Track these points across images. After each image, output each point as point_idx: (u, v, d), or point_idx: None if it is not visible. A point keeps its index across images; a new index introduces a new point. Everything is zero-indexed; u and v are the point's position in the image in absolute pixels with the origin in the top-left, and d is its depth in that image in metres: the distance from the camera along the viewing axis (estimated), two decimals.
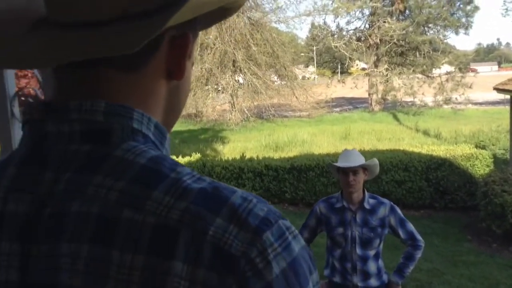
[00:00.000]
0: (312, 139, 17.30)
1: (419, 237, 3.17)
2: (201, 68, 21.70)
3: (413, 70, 27.92)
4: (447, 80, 27.51)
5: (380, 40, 27.93)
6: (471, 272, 6.08)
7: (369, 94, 29.36)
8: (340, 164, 3.12)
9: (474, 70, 34.08)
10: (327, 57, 52.35)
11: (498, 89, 10.91)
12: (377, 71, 28.09)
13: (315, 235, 3.29)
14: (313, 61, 52.73)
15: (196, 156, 10.26)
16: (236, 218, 0.51)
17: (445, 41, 28.68)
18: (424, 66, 27.80)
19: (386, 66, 27.96)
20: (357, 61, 32.21)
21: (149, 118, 0.60)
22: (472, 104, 27.18)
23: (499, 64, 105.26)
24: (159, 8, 0.54)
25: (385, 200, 3.17)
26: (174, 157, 6.62)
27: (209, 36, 21.68)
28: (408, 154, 9.02)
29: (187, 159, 9.71)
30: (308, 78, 48.88)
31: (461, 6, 28.55)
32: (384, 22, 27.39)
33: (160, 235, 0.50)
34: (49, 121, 0.57)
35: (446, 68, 29.25)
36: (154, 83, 0.61)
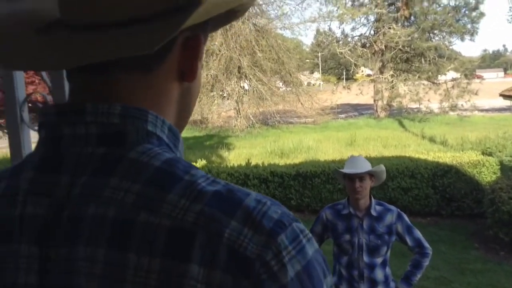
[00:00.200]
0: (317, 145, 17.26)
1: (426, 244, 3.15)
2: (207, 75, 21.74)
3: (419, 77, 27.86)
4: (452, 87, 27.45)
5: (385, 46, 27.91)
6: (479, 280, 6.03)
7: (374, 101, 29.31)
8: (346, 170, 3.11)
9: (480, 77, 34.01)
10: (332, 63, 52.43)
11: (504, 96, 10.89)
12: (382, 77, 28.07)
13: (321, 242, 3.27)
14: (318, 67, 52.80)
15: (201, 162, 10.27)
16: (251, 221, 0.51)
17: (450, 47, 28.64)
18: (430, 73, 27.73)
19: (391, 72, 27.92)
20: (362, 68, 32.21)
21: (163, 120, 0.60)
22: (478, 110, 27.08)
23: (505, 70, 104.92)
24: (175, 10, 0.54)
25: (392, 207, 3.15)
26: None
27: (214, 42, 21.74)
28: (414, 160, 8.98)
29: None
30: (313, 85, 48.93)
31: (467, 12, 28.52)
32: (389, 28, 27.38)
33: (176, 238, 0.50)
34: (65, 124, 0.57)
35: (451, 74, 29.19)
36: (167, 84, 0.61)
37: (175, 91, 0.63)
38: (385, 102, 28.58)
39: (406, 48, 27.46)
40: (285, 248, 0.51)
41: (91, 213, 0.52)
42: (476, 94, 26.24)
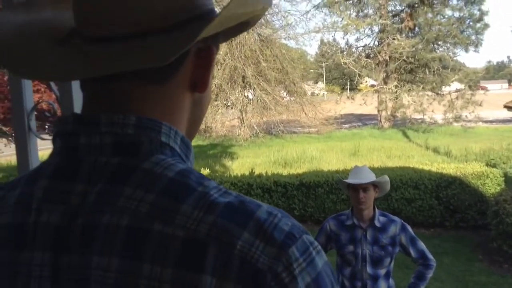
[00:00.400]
0: (321, 155, 17.23)
1: (430, 256, 3.13)
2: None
3: (423, 87, 27.85)
4: (457, 98, 27.42)
5: (390, 57, 27.96)
6: None
7: (378, 111, 29.30)
8: (350, 180, 3.11)
9: (484, 88, 34.02)
10: (336, 73, 52.48)
11: (508, 107, 10.86)
12: (386, 88, 28.07)
13: (325, 252, 3.25)
14: (322, 77, 52.86)
15: (205, 171, 10.27)
16: (262, 233, 0.52)
17: (455, 58, 28.68)
18: (434, 84, 27.72)
19: (395, 83, 27.94)
20: (366, 78, 32.24)
21: (176, 131, 0.61)
22: (482, 122, 27.03)
23: (509, 82, 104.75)
24: (190, 22, 0.56)
25: (396, 218, 3.14)
26: None
27: (219, 52, 21.74)
28: (418, 171, 8.95)
29: None
30: (317, 94, 48.92)
31: (471, 23, 28.55)
32: (394, 39, 27.43)
33: (189, 249, 0.51)
34: (81, 133, 0.58)
35: (455, 85, 29.18)
36: (180, 95, 0.62)
37: (187, 101, 0.63)
38: (389, 113, 28.56)
39: (410, 58, 27.49)
40: (295, 260, 0.52)
41: (105, 221, 0.53)
42: (480, 105, 26.20)
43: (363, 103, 29.31)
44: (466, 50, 28.91)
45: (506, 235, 6.75)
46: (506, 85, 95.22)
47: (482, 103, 26.33)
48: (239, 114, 24.03)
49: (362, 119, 34.58)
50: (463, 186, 8.42)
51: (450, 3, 28.46)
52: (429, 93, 28.17)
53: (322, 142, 21.93)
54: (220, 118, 23.94)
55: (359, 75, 29.10)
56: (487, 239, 7.53)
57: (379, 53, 28.46)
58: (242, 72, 22.47)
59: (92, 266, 0.52)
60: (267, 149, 20.11)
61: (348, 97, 31.57)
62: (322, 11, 29.56)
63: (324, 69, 46.48)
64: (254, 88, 22.90)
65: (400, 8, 29.99)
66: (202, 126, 22.94)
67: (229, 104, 24.19)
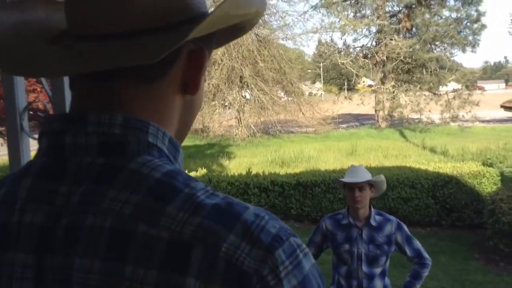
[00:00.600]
0: (318, 155, 17.23)
1: (426, 255, 3.14)
2: (208, 84, 21.79)
3: (420, 87, 27.88)
4: (454, 98, 27.45)
5: (387, 57, 27.99)
6: None
7: (375, 111, 29.33)
8: (346, 179, 3.12)
9: (481, 88, 34.09)
10: (334, 73, 52.59)
11: (505, 107, 10.89)
12: (383, 88, 28.10)
13: (321, 251, 3.27)
14: (320, 77, 52.87)
15: (202, 171, 10.26)
16: (249, 235, 0.52)
17: (452, 58, 28.72)
18: (431, 84, 27.76)
19: (392, 83, 27.97)
20: (363, 78, 32.27)
21: (164, 132, 0.60)
22: (479, 121, 27.09)
23: (507, 82, 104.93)
24: (180, 22, 0.56)
25: (392, 217, 3.15)
26: None
27: (216, 52, 21.82)
28: (414, 171, 8.97)
29: (193, 174, 9.68)
30: (314, 95, 48.92)
31: (468, 24, 28.60)
32: (391, 39, 27.46)
33: (174, 251, 0.50)
34: (67, 133, 0.57)
35: (453, 85, 29.22)
36: (170, 96, 0.62)
37: (177, 103, 0.63)
38: (386, 113, 28.59)
39: (407, 59, 27.51)
40: (282, 263, 0.51)
41: (89, 223, 0.53)
42: (477, 105, 26.24)
43: (360, 103, 29.34)
44: (463, 51, 28.96)
45: (502, 234, 6.77)
46: (503, 85, 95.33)
47: (479, 103, 26.37)
48: (237, 114, 24.03)
49: (359, 119, 34.61)
50: (460, 186, 8.45)
51: (448, 4, 28.49)
52: (426, 93, 28.20)
53: (320, 142, 21.94)
54: (218, 118, 23.93)
55: (357, 75, 29.13)
56: (483, 238, 7.55)
57: (376, 53, 28.48)
58: (239, 72, 22.47)
59: (75, 267, 0.52)
60: (264, 149, 20.11)
61: (345, 97, 31.62)
62: (320, 12, 29.65)
63: (321, 69, 46.52)
64: (252, 88, 22.90)
65: (398, 8, 30.04)
66: (200, 126, 23.00)
67: (226, 104, 24.18)
